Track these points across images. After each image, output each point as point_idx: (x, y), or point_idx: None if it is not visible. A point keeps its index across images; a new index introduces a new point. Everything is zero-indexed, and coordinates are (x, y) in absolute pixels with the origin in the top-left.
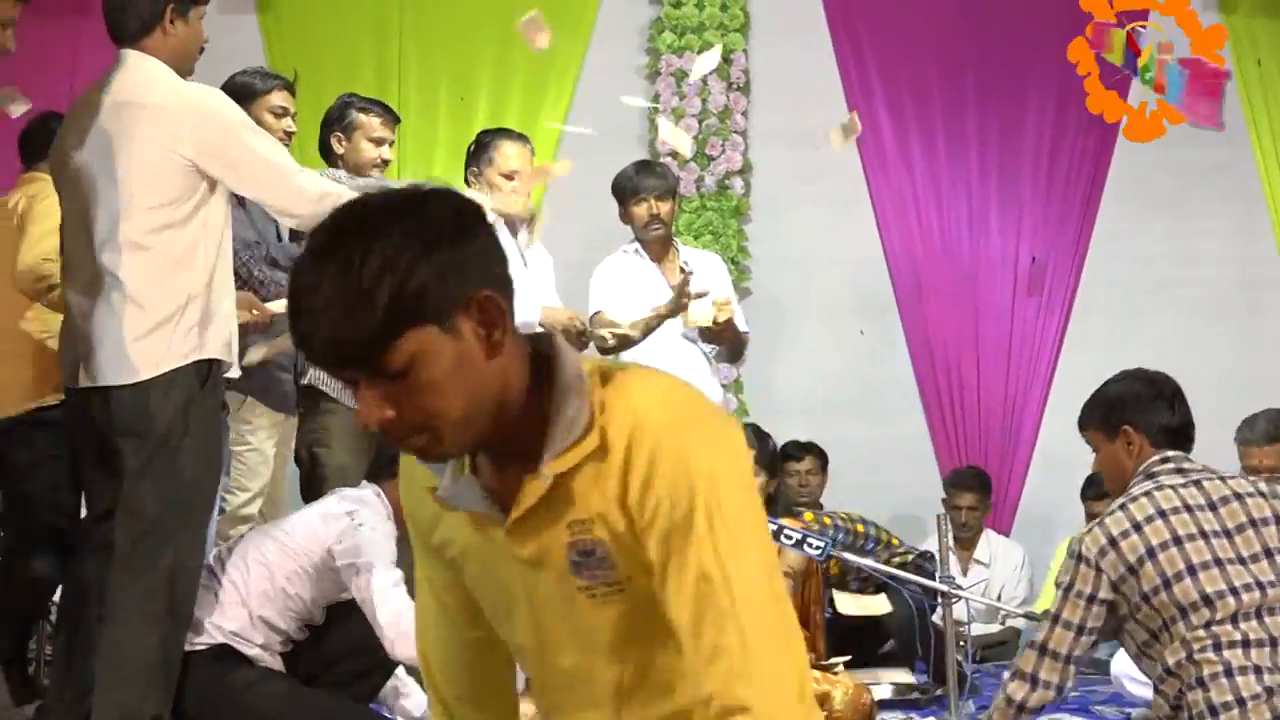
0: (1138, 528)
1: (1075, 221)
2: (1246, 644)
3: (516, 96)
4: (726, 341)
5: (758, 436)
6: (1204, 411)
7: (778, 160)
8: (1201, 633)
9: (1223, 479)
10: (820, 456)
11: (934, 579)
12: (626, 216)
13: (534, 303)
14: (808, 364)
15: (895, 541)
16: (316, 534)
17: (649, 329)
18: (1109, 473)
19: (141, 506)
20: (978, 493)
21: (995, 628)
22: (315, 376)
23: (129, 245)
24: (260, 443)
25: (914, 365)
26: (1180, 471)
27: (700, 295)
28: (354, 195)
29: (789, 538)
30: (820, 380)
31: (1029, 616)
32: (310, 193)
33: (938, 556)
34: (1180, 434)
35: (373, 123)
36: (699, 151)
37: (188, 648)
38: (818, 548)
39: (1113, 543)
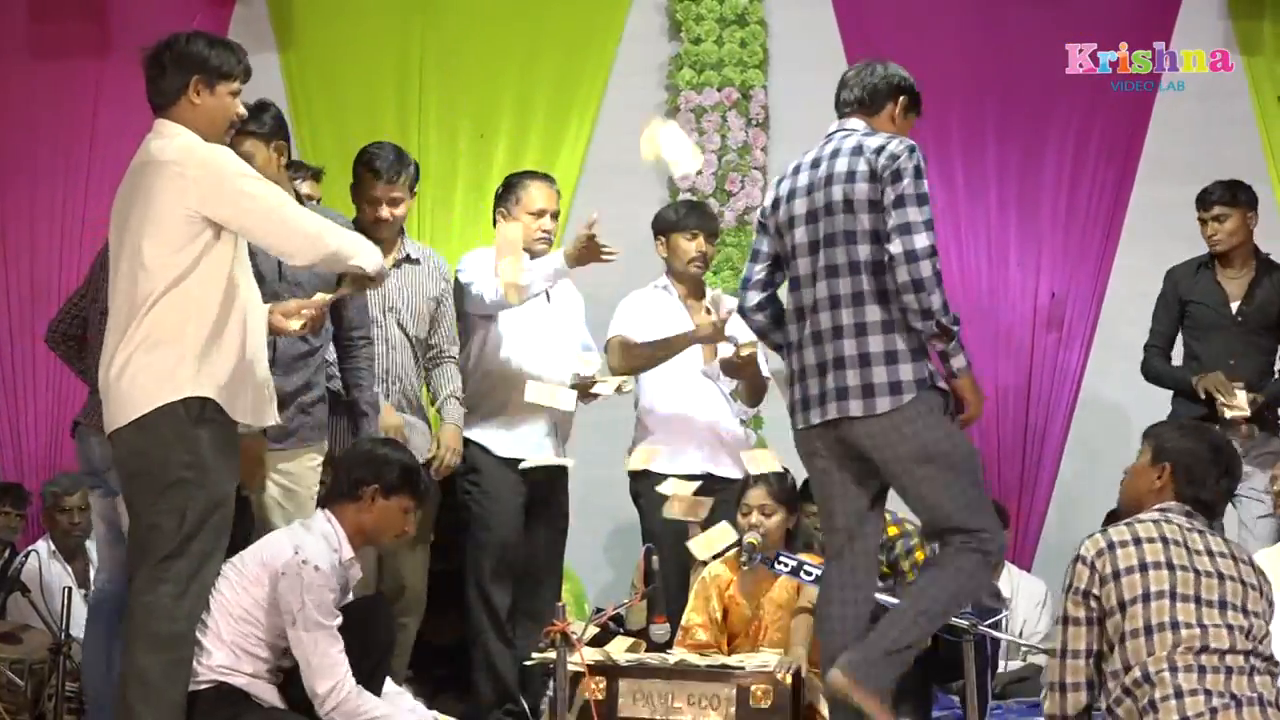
0: (1137, 541)
1: (1095, 255)
2: (1203, 671)
3: (536, 134)
4: (747, 379)
5: (777, 474)
6: None
7: None
8: (1160, 655)
9: (1214, 536)
10: None
11: None
12: (670, 249)
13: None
14: None
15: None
16: (265, 565)
17: (669, 350)
18: (1129, 486)
19: None
20: None
21: (1017, 664)
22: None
23: (150, 295)
24: None
25: None
26: (1188, 515)
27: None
28: (348, 233)
29: (809, 574)
30: None
31: (1051, 653)
32: (308, 234)
33: None
34: (1200, 505)
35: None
36: (718, 187)
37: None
38: None
39: (1111, 547)
